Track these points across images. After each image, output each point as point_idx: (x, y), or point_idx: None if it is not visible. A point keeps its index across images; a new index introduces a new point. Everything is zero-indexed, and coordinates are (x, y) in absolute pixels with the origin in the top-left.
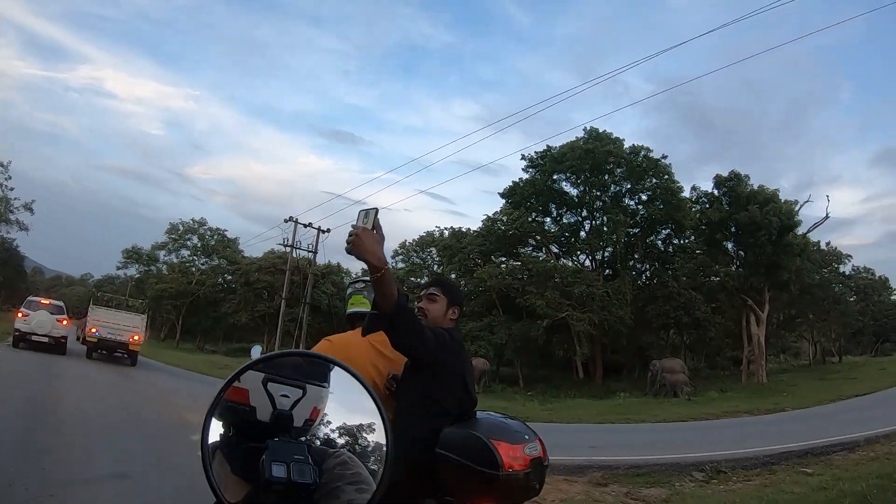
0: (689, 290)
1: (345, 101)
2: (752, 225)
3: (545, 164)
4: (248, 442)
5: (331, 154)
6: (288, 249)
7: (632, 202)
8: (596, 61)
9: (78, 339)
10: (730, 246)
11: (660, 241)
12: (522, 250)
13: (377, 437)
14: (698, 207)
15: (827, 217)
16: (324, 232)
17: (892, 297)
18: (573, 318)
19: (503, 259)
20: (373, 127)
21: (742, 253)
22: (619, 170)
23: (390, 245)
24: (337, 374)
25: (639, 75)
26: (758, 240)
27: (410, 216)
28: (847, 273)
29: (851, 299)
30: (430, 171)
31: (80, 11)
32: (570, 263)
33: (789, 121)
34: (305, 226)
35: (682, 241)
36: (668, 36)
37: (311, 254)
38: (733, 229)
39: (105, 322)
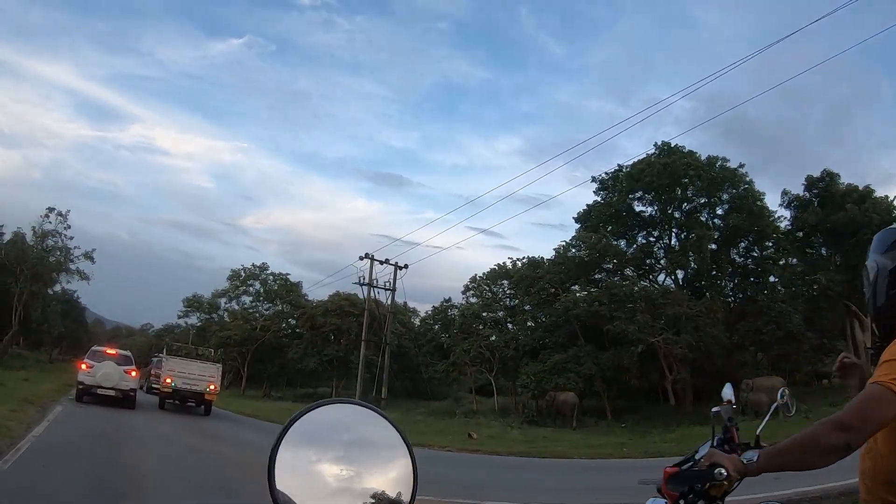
0: (780, 303)
1: (388, 143)
2: (852, 225)
3: (620, 183)
4: None
5: (378, 197)
6: (364, 288)
7: (708, 215)
8: (633, 84)
9: (141, 388)
10: (823, 251)
11: (737, 255)
12: (598, 276)
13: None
14: (789, 213)
15: None
16: (401, 268)
17: None
18: (668, 342)
19: (578, 286)
20: (418, 167)
21: (838, 257)
22: (696, 182)
23: (455, 285)
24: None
25: (678, 94)
26: (860, 239)
27: (463, 253)
28: None
29: None
30: (480, 207)
31: (127, 73)
32: (648, 285)
33: (833, 124)
34: (382, 262)
35: (762, 253)
36: (702, 51)
37: (388, 291)
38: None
39: (181, 372)
